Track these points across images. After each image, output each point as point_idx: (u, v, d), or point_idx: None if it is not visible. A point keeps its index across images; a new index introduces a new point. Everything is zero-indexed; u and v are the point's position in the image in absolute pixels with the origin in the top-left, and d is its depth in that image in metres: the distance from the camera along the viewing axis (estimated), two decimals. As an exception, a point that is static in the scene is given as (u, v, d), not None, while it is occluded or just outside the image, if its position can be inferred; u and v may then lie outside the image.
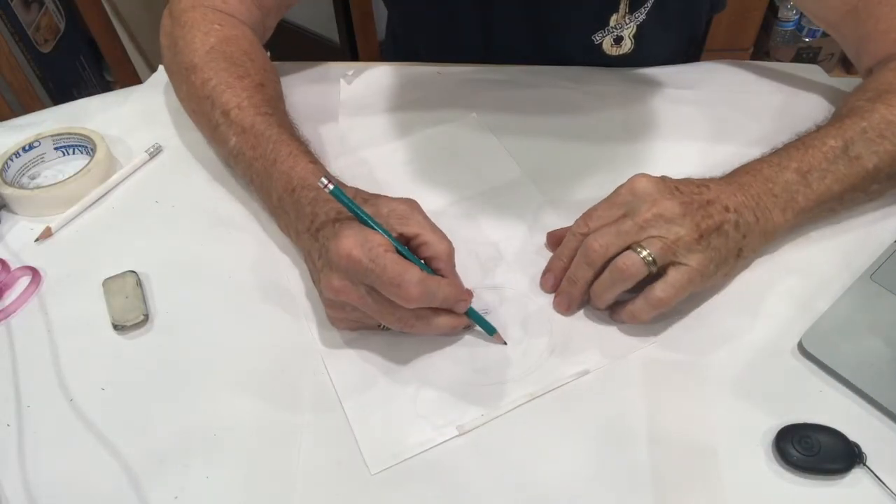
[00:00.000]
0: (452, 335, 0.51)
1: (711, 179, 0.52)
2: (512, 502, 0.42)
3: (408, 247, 0.48)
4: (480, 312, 0.51)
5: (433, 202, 0.61)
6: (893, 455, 0.43)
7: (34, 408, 0.48)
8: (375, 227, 0.46)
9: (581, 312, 0.52)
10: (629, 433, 0.45)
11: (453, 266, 0.49)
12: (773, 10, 1.76)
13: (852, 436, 0.43)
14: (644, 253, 0.47)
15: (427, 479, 0.44)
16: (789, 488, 0.42)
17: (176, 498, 0.43)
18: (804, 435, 0.43)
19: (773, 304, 0.52)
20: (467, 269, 0.55)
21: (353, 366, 0.49)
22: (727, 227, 0.49)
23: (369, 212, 0.47)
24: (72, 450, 0.46)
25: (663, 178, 0.50)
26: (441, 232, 0.48)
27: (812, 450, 0.42)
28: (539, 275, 0.54)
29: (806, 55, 1.80)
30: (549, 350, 0.50)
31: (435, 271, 0.48)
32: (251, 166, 0.56)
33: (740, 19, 1.68)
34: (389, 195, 0.50)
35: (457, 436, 0.45)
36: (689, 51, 0.82)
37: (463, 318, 0.49)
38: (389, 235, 0.46)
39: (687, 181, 0.51)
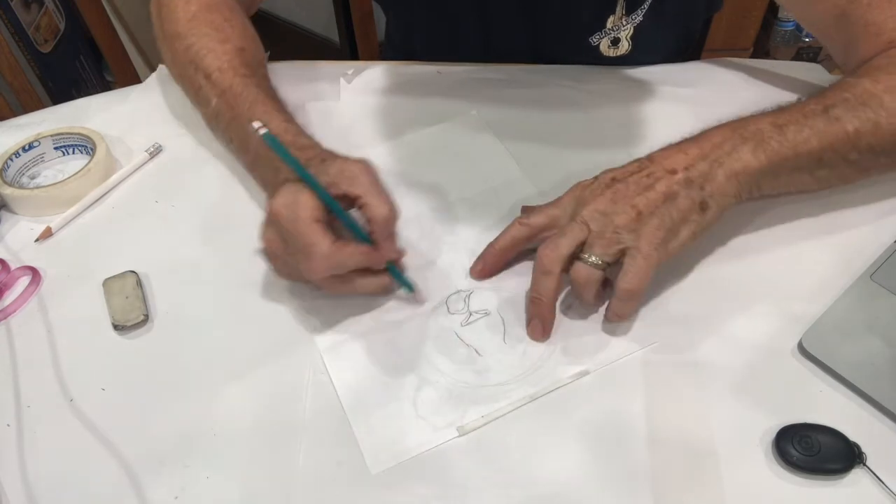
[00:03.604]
0: (384, 295, 0.53)
1: (662, 148, 0.52)
2: (512, 503, 0.42)
3: (354, 206, 0.49)
4: (479, 314, 0.51)
5: (433, 201, 0.61)
6: (893, 455, 0.43)
7: (34, 408, 0.49)
8: (308, 179, 0.47)
9: (581, 314, 0.52)
10: (629, 433, 0.45)
11: (389, 232, 0.50)
12: (773, 10, 1.76)
13: (852, 436, 0.43)
14: (591, 259, 0.48)
15: (427, 479, 0.44)
16: (789, 488, 0.42)
17: (176, 498, 0.43)
18: (804, 435, 0.43)
19: (773, 304, 0.52)
20: (467, 269, 0.55)
21: (353, 366, 0.49)
22: (675, 187, 0.49)
23: (319, 169, 0.49)
24: (72, 450, 0.46)
25: (601, 175, 0.52)
26: (386, 196, 0.49)
27: (812, 450, 0.42)
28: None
29: (806, 55, 1.79)
30: (548, 351, 0.50)
31: (370, 233, 0.49)
32: (230, 126, 0.59)
33: (740, 19, 1.68)
34: (348, 156, 0.51)
35: (457, 437, 0.45)
36: (686, 51, 0.81)
37: (386, 277, 0.51)
38: (326, 196, 0.47)
39: (629, 163, 0.52)
